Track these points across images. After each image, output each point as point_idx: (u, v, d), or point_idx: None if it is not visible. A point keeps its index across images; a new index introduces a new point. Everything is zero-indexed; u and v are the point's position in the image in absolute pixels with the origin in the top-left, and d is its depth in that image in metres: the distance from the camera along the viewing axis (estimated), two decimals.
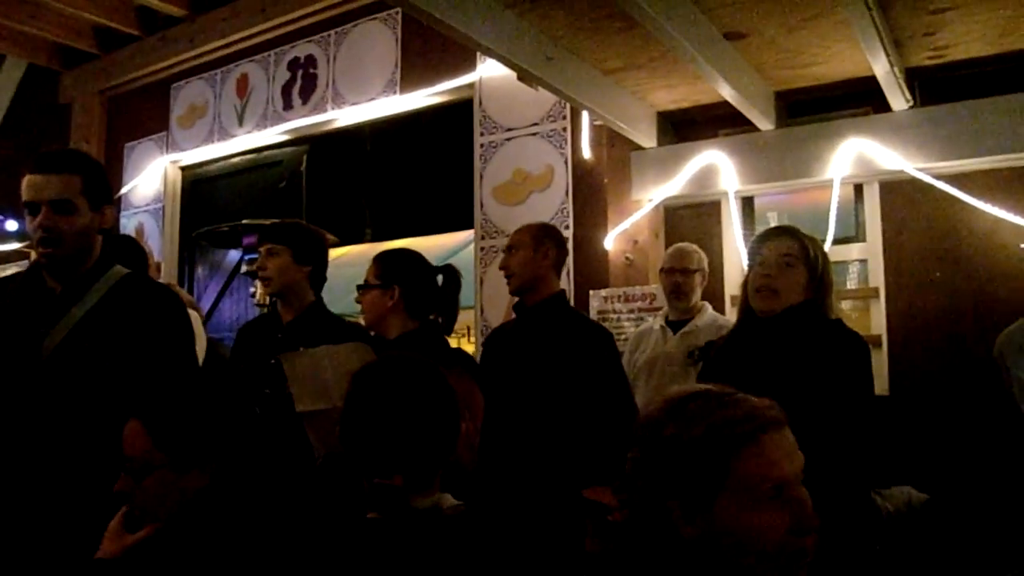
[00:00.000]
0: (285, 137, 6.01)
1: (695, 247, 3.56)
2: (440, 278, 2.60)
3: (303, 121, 5.80)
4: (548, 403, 2.57)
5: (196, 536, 1.51)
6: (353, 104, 5.56)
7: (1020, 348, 2.19)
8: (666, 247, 3.99)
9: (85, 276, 2.16)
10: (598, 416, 2.55)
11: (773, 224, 4.22)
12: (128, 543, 1.51)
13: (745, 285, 2.37)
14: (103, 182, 2.19)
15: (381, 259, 2.58)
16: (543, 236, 2.93)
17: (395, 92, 5.36)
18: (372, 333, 2.56)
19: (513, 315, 2.98)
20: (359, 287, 2.55)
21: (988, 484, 3.30)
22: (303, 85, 5.82)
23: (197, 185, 6.64)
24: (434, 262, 7.96)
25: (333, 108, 5.65)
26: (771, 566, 1.12)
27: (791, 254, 2.28)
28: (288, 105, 5.88)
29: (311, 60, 5.81)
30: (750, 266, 2.35)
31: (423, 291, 2.51)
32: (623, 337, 3.93)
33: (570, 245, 4.51)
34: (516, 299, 2.90)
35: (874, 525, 3.11)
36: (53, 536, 1.84)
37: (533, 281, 2.87)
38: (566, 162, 4.61)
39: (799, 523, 1.12)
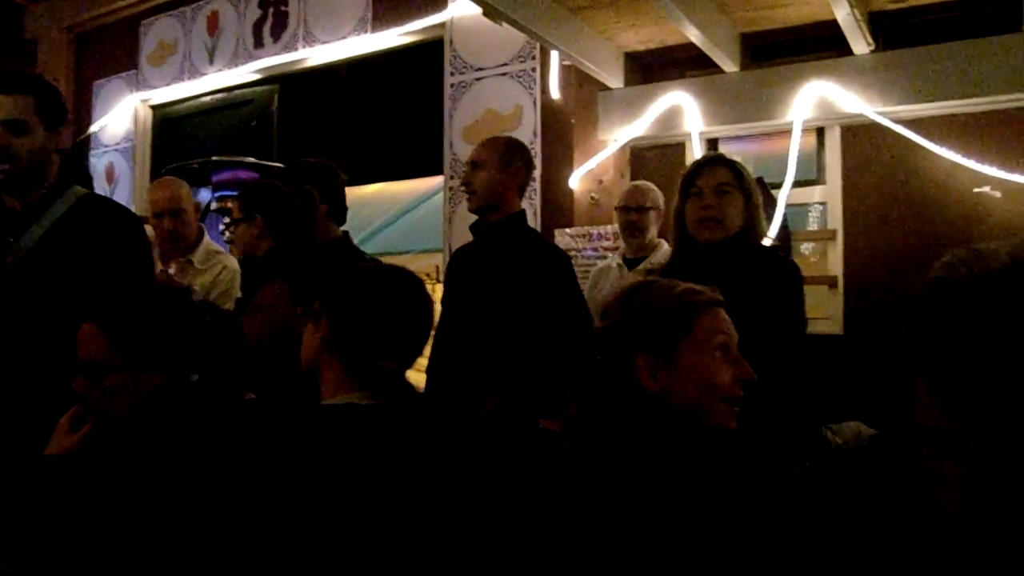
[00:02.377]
0: (256, 76, 5.97)
1: (651, 185, 3.61)
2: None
3: (274, 59, 5.76)
4: (505, 322, 2.56)
5: (153, 433, 1.56)
6: (324, 43, 5.53)
7: None
8: None
9: (45, 196, 2.21)
10: (554, 336, 2.56)
11: None
12: (75, 441, 1.57)
13: (679, 216, 2.42)
14: (57, 103, 2.22)
15: (242, 196, 2.93)
16: (512, 154, 2.77)
17: (367, 30, 5.33)
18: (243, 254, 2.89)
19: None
20: (227, 225, 2.93)
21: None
22: (274, 22, 5.76)
23: (168, 124, 6.59)
24: (404, 207, 7.93)
25: (304, 46, 5.61)
26: (720, 407, 1.39)
27: (727, 182, 2.33)
28: (259, 43, 5.83)
29: None
30: (684, 197, 2.40)
31: (282, 217, 2.79)
32: (586, 276, 4.00)
33: (538, 184, 4.56)
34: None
35: (823, 457, 3.23)
36: (14, 437, 1.89)
37: (495, 201, 2.72)
38: (535, 102, 4.63)
39: (742, 374, 1.41)
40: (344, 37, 5.42)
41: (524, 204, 4.54)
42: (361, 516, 1.32)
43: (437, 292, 7.46)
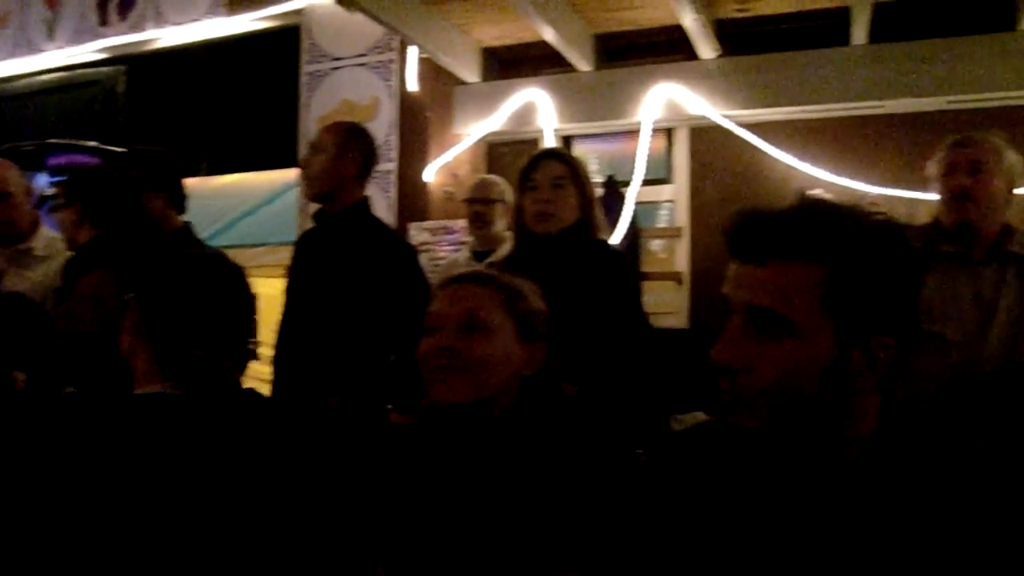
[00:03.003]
0: (101, 55, 5.64)
1: (497, 178, 3.62)
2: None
3: (121, 39, 5.45)
4: (347, 313, 2.51)
5: None
6: (176, 24, 5.29)
7: None
8: None
9: None
10: (396, 329, 2.52)
11: (592, 168, 4.37)
12: None
13: (518, 209, 2.44)
14: None
15: (64, 182, 2.78)
16: (350, 139, 2.66)
17: (221, 13, 5.13)
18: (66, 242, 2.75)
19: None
20: (51, 209, 2.83)
21: None
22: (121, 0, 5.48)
23: (2, 103, 6.17)
24: (261, 199, 7.70)
25: (154, 26, 5.34)
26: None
27: (562, 176, 2.37)
28: (104, 20, 5.52)
29: None
30: (522, 190, 2.42)
31: (101, 203, 2.64)
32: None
33: (393, 178, 4.50)
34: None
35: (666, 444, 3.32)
36: None
37: (333, 188, 2.62)
38: (392, 94, 4.57)
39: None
40: (197, 19, 5.20)
41: (380, 197, 4.54)
42: (144, 510, 1.26)
43: None
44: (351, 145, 2.65)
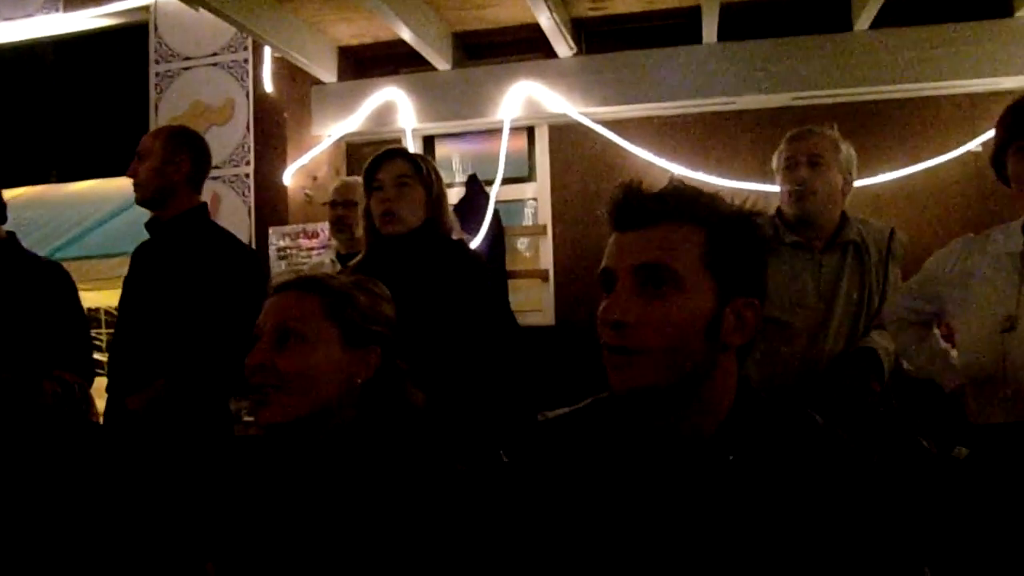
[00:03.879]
0: None
1: (359, 179, 3.54)
2: None
3: None
4: (185, 324, 2.38)
5: None
6: (7, 19, 4.96)
7: None
8: None
9: None
10: (235, 339, 2.41)
11: (455, 167, 4.34)
12: None
13: (366, 211, 2.39)
14: None
15: None
16: (178, 145, 2.54)
17: (57, 9, 4.84)
18: None
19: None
20: None
21: None
22: None
23: None
24: (117, 206, 7.32)
25: None
26: None
27: (406, 174, 2.32)
28: None
29: None
30: (368, 192, 2.37)
31: None
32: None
33: (251, 181, 4.35)
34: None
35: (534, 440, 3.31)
36: None
37: (161, 194, 2.50)
38: (247, 95, 4.41)
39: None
40: (30, 15, 4.89)
41: (238, 201, 4.37)
42: None
43: None
44: (178, 151, 2.54)
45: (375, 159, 2.36)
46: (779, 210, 2.45)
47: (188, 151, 2.56)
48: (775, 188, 2.49)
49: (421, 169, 2.33)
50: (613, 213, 1.11)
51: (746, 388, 1.13)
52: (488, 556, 1.15)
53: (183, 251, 2.47)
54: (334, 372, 1.28)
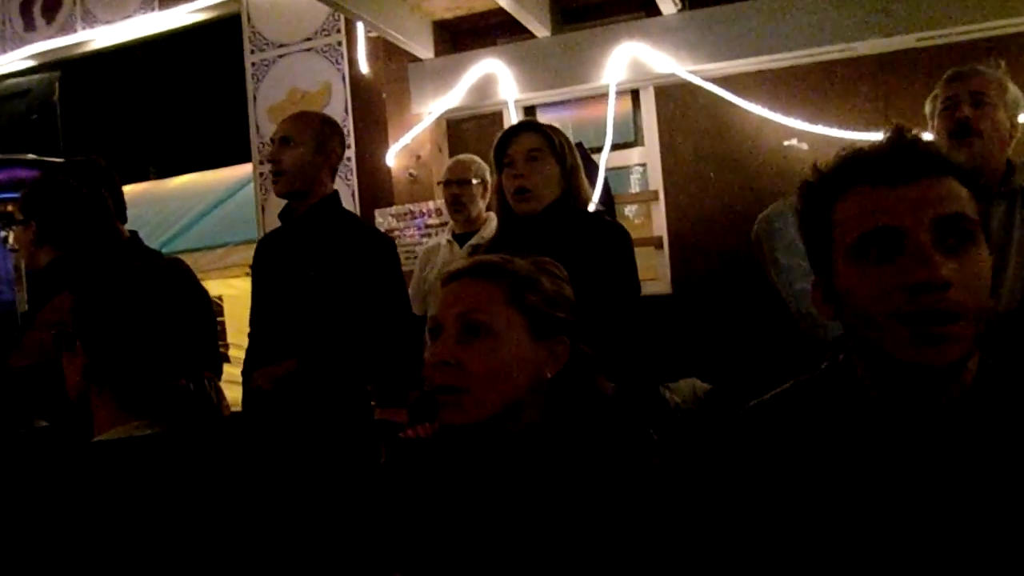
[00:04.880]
0: (30, 62, 5.38)
1: (474, 157, 3.46)
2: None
3: (50, 43, 5.21)
4: (325, 315, 2.34)
5: None
6: (107, 23, 5.04)
7: (773, 230, 2.25)
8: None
9: None
10: (378, 328, 2.37)
11: None
12: None
13: (499, 189, 2.29)
14: None
15: (22, 196, 2.53)
16: (329, 133, 2.49)
17: (154, 8, 4.89)
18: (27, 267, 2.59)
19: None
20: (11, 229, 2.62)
21: (765, 368, 3.46)
22: (46, 2, 5.19)
23: None
24: (217, 198, 7.47)
25: (85, 27, 5.09)
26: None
27: (538, 148, 2.21)
28: (30, 25, 5.25)
29: None
30: (499, 168, 2.27)
31: (60, 220, 2.42)
32: (413, 256, 3.82)
33: (353, 164, 4.33)
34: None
35: (662, 417, 3.21)
36: None
37: (307, 183, 2.45)
38: (343, 78, 4.38)
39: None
40: (129, 16, 4.96)
41: (340, 185, 4.35)
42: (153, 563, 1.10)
43: None
44: (329, 139, 2.48)
45: (505, 134, 2.27)
46: None
47: (337, 139, 2.52)
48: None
49: (553, 141, 2.22)
50: (881, 164, 0.98)
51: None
52: (710, 553, 1.04)
53: (320, 239, 2.42)
54: (523, 366, 1.16)
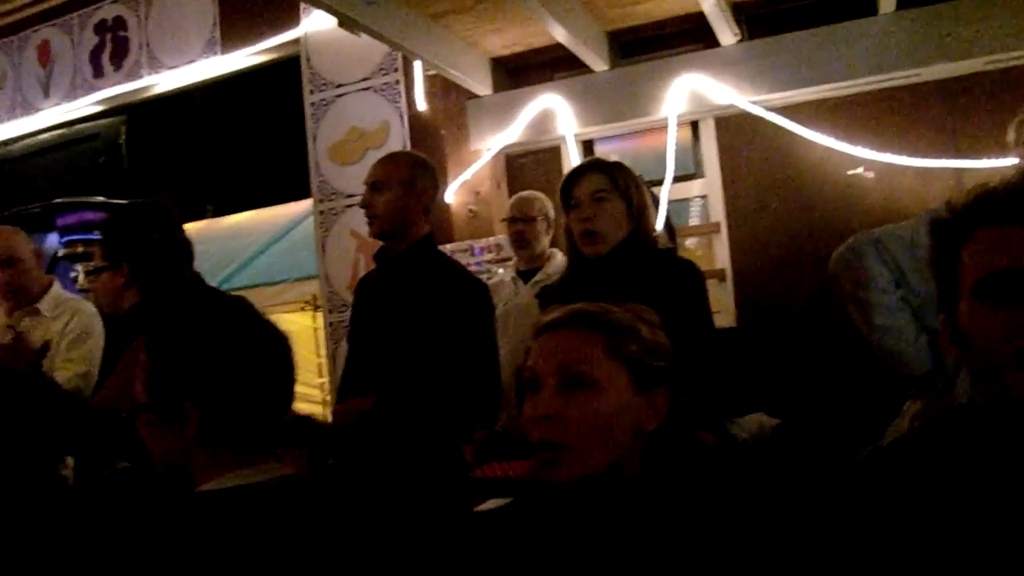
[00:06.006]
0: (99, 108, 5.53)
1: (537, 194, 3.46)
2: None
3: (117, 89, 5.34)
4: (413, 357, 2.31)
5: None
6: (171, 68, 5.16)
7: (852, 266, 2.20)
8: (509, 196, 3.89)
9: None
10: (465, 373, 2.34)
11: None
12: None
13: (566, 230, 2.28)
14: None
15: (105, 240, 2.59)
16: (419, 173, 2.46)
17: (216, 52, 5.00)
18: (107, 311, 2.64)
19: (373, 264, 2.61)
20: (88, 272, 2.66)
21: (834, 403, 3.39)
22: (114, 49, 5.34)
23: (3, 166, 6.05)
24: (274, 235, 7.57)
25: (150, 73, 5.22)
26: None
27: (603, 189, 2.20)
28: (98, 72, 5.40)
29: (120, 22, 5.33)
30: (566, 209, 2.26)
31: (150, 264, 2.50)
32: None
33: None
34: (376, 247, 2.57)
35: (730, 453, 3.14)
36: None
37: (401, 225, 2.41)
38: (401, 116, 4.42)
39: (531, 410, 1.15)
40: (192, 61, 5.07)
41: None
42: None
43: (317, 320, 7.12)
44: (419, 178, 2.46)
45: (570, 175, 2.26)
46: None
47: (429, 178, 2.50)
48: (967, 163, 2.21)
49: (618, 182, 2.20)
50: (1015, 203, 0.95)
51: None
52: None
53: (416, 282, 2.39)
54: (626, 420, 1.12)
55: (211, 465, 1.22)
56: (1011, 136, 2.21)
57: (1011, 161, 2.22)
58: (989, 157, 3.40)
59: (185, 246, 2.63)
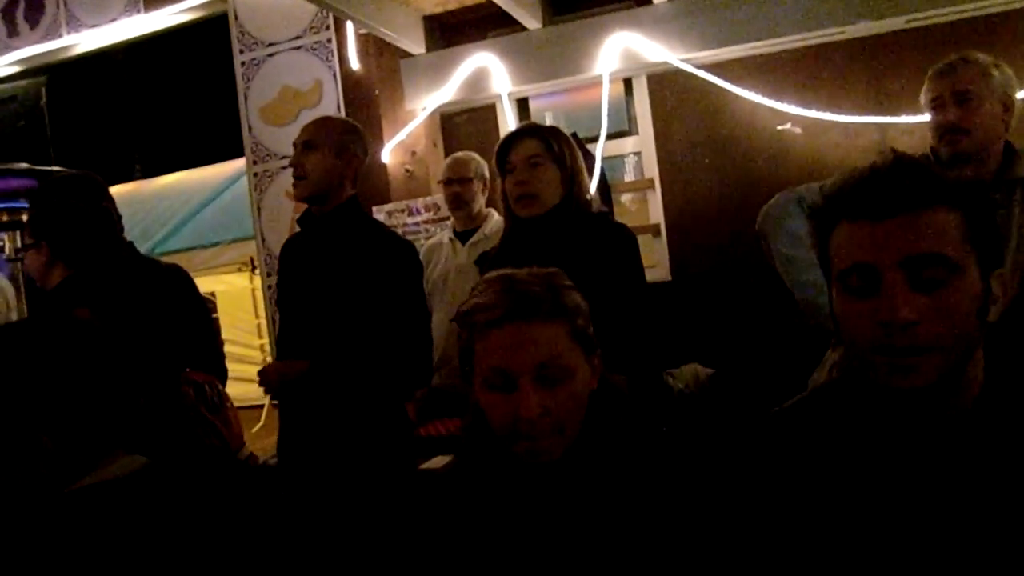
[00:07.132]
0: (15, 68, 5.34)
1: (472, 155, 3.47)
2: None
3: (35, 49, 5.15)
4: (344, 320, 2.34)
5: None
6: (93, 27, 4.99)
7: (777, 222, 2.27)
8: (445, 155, 3.90)
9: None
10: (396, 332, 2.37)
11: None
12: None
13: (503, 194, 2.32)
14: None
15: (30, 219, 2.59)
16: (351, 139, 2.47)
17: (139, 11, 4.85)
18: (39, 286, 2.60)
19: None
20: (17, 251, 2.63)
21: (764, 352, 3.51)
22: (28, 7, 5.14)
23: None
24: (208, 196, 7.43)
25: (70, 32, 5.05)
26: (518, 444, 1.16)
27: (538, 154, 2.24)
28: (13, 31, 5.19)
29: None
30: (502, 173, 2.30)
31: (72, 240, 2.46)
32: None
33: None
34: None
35: (667, 403, 3.24)
36: None
37: (329, 189, 2.42)
38: (335, 75, 4.37)
39: (520, 411, 1.13)
40: (114, 19, 4.92)
41: None
42: None
43: (255, 282, 7.02)
44: (351, 144, 2.46)
45: (505, 140, 2.29)
46: (932, 149, 2.29)
47: (360, 144, 2.50)
48: (892, 119, 2.30)
49: (553, 147, 2.24)
50: (854, 201, 1.02)
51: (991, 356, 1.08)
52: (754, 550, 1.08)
53: (343, 244, 2.41)
54: (587, 391, 1.19)
55: None
56: (922, 100, 2.30)
57: (927, 117, 2.32)
58: (910, 114, 3.53)
59: (113, 216, 2.57)
